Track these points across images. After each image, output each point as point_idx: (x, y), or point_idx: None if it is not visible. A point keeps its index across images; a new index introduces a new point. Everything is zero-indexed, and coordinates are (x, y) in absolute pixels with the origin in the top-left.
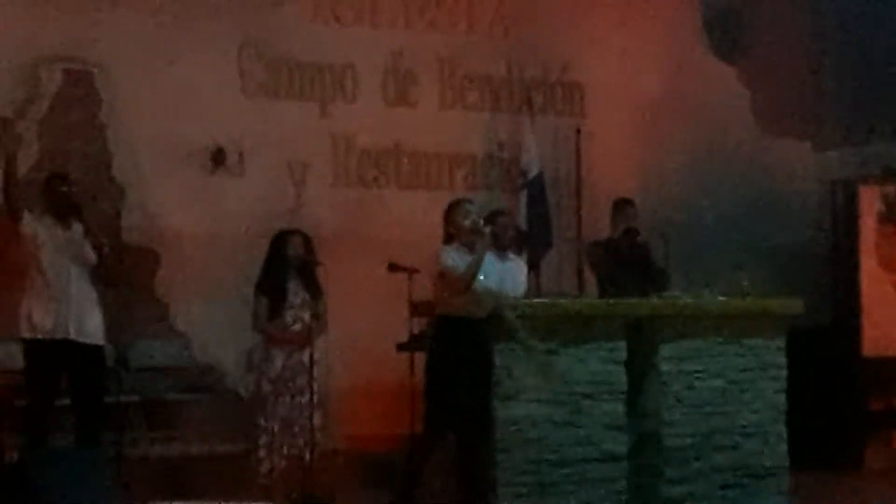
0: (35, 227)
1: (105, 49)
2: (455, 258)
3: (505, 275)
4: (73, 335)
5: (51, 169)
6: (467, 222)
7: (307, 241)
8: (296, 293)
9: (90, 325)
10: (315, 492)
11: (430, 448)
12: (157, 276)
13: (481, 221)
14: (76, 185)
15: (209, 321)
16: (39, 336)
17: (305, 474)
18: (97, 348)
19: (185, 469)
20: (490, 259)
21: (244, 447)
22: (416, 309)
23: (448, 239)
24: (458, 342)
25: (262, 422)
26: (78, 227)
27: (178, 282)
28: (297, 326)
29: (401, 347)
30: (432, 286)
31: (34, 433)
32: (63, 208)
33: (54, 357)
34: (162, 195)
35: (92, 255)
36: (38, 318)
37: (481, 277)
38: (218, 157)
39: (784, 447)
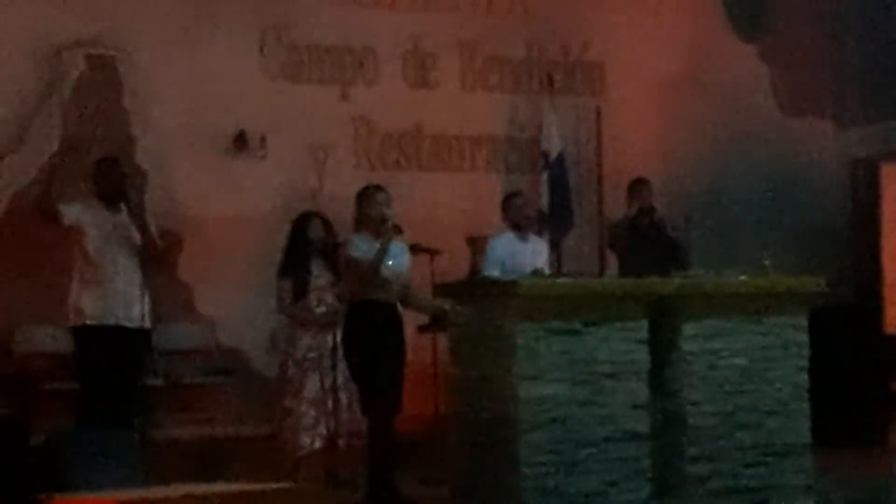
0: (79, 215)
1: (127, 34)
2: (361, 248)
3: (526, 256)
4: (121, 321)
5: (99, 154)
6: (373, 212)
7: (327, 223)
8: (319, 275)
9: (137, 310)
10: (341, 472)
11: (387, 429)
12: (181, 259)
13: (390, 211)
14: (125, 169)
15: (233, 304)
16: (88, 322)
17: (332, 455)
18: (143, 332)
19: (211, 452)
20: (511, 240)
21: (270, 429)
22: (438, 290)
23: (356, 226)
24: (371, 325)
25: (289, 403)
26: (124, 211)
27: (202, 265)
28: (322, 308)
29: (423, 329)
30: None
31: (86, 419)
32: (112, 192)
33: (104, 343)
34: (185, 179)
35: (138, 238)
36: (87, 304)
37: (389, 263)
38: (240, 141)
39: (807, 425)
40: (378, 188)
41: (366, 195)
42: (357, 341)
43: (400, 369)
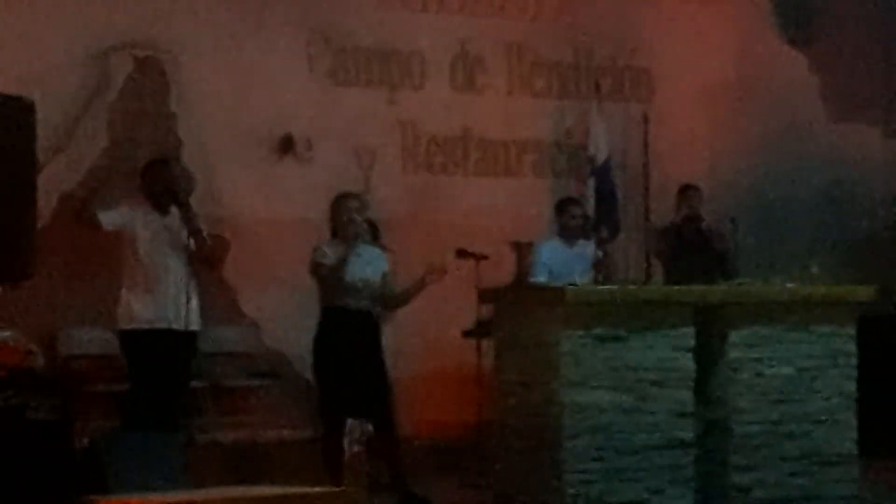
0: (123, 219)
1: (174, 36)
2: (328, 253)
3: (573, 261)
4: (172, 324)
5: (151, 156)
6: (343, 218)
7: (374, 228)
8: None
9: (186, 313)
10: (384, 476)
11: (334, 435)
12: (227, 261)
13: (359, 219)
14: (176, 171)
15: (278, 307)
16: (140, 326)
17: (373, 460)
18: (192, 335)
19: (255, 454)
20: (558, 245)
21: (313, 433)
22: (483, 295)
23: (333, 233)
24: (340, 332)
25: None
26: (175, 213)
27: (247, 268)
28: None
29: (467, 334)
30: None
31: (131, 421)
32: (162, 194)
33: (155, 346)
34: (230, 182)
35: (187, 240)
36: (138, 308)
37: (367, 270)
38: (286, 144)
39: (854, 435)
40: (350, 195)
41: (337, 201)
42: (322, 348)
43: (376, 375)
